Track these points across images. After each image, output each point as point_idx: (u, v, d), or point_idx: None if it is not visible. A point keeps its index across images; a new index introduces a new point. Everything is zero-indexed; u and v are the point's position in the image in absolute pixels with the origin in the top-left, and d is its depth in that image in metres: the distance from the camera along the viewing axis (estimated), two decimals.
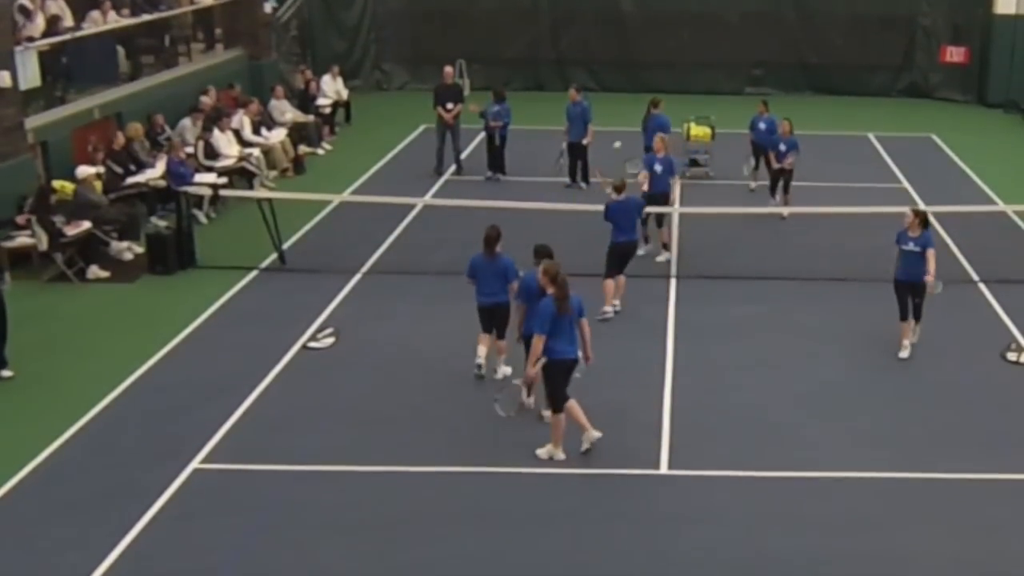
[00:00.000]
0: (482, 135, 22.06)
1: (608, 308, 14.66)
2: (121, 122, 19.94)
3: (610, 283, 14.74)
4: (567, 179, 20.76)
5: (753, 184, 20.52)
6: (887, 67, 30.46)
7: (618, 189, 14.80)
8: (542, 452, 11.24)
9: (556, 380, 11.09)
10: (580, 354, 11.16)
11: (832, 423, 12.12)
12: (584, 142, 20.47)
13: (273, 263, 16.79)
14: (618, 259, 14.79)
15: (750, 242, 17.18)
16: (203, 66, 24.07)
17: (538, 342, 10.85)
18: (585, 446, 11.23)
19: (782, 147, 19.23)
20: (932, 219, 14.44)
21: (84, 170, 17.34)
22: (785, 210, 18.78)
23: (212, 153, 20.09)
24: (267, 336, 14.08)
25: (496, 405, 11.46)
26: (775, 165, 19.27)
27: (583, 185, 20.51)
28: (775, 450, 11.55)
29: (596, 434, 11.24)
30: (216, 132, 20.41)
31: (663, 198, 16.90)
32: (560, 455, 11.21)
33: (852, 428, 12.05)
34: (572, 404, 11.19)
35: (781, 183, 19.24)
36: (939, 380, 13.28)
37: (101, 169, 18.03)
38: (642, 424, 11.98)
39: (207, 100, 21.71)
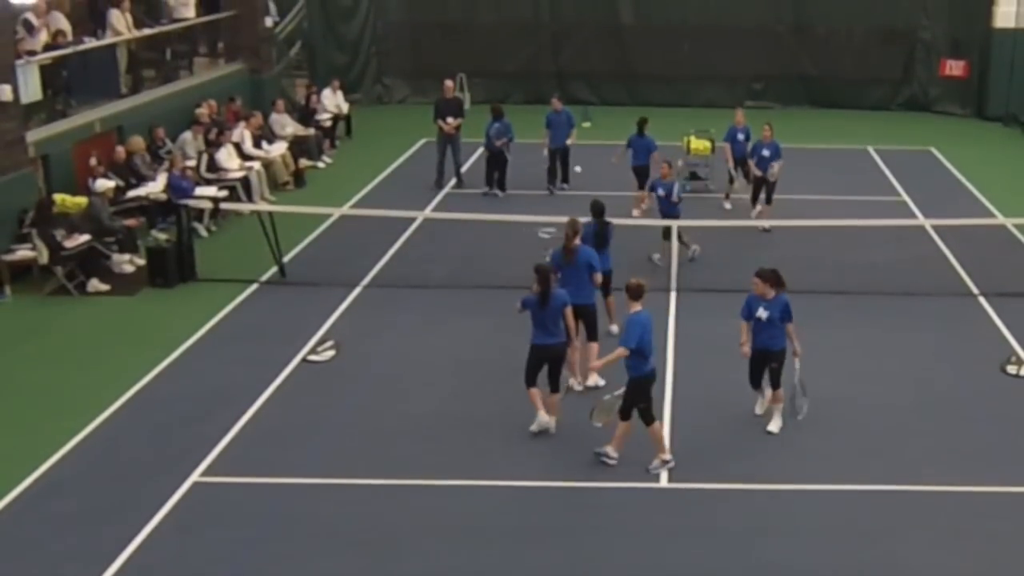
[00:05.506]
0: (481, 149, 22.07)
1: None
2: (122, 135, 19.98)
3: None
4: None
5: (728, 205, 20.46)
6: (887, 80, 30.47)
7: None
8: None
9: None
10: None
11: (831, 435, 12.11)
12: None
13: (273, 276, 16.81)
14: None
15: (750, 255, 17.13)
16: (204, 80, 24.11)
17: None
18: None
19: (765, 152, 18.86)
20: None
21: (103, 183, 17.38)
22: (767, 223, 18.54)
23: (213, 167, 20.14)
24: (267, 349, 14.09)
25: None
26: (756, 173, 18.97)
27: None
28: (774, 463, 11.55)
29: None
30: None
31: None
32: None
33: (851, 440, 12.05)
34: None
35: (763, 194, 18.98)
36: (939, 392, 13.27)
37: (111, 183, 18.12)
38: (642, 437, 11.96)
39: (204, 111, 21.75)
